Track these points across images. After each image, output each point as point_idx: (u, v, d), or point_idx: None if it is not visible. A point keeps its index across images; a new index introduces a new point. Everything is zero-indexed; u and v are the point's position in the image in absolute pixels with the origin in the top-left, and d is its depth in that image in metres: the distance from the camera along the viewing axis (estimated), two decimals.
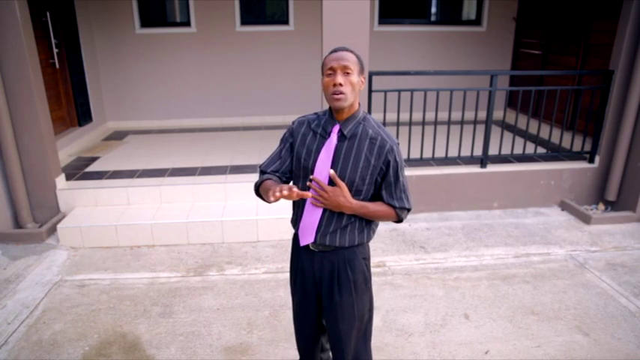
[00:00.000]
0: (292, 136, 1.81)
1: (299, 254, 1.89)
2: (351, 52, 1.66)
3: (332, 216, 1.73)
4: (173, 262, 3.57)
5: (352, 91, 1.64)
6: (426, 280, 3.31)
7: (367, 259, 1.86)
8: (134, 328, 2.80)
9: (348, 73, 1.62)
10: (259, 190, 1.80)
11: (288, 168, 1.83)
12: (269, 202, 1.59)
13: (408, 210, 1.80)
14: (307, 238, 1.79)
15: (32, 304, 3.02)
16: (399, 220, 1.81)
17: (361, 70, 1.68)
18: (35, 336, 2.72)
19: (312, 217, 1.75)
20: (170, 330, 2.78)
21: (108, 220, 3.82)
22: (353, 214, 1.72)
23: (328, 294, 1.83)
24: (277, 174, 1.83)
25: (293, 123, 1.83)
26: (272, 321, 2.86)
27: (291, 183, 1.86)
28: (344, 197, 1.67)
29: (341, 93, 1.62)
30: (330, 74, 1.64)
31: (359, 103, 1.74)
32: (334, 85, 1.62)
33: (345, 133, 1.69)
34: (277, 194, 1.50)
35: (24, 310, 2.95)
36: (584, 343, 2.65)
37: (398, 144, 1.72)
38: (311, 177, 1.71)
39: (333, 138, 1.70)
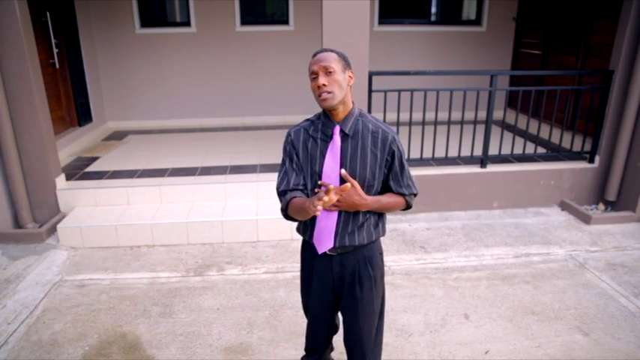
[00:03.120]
0: (294, 147, 1.77)
1: (313, 261, 1.85)
2: (332, 50, 1.66)
3: (348, 217, 1.73)
4: (173, 262, 3.57)
5: (339, 88, 1.63)
6: (426, 280, 3.31)
7: (382, 253, 1.89)
8: (134, 328, 2.80)
9: (330, 72, 1.61)
10: (289, 213, 1.73)
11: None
12: (310, 215, 1.53)
13: (415, 195, 1.85)
14: (326, 244, 1.76)
15: (32, 304, 3.02)
16: (408, 207, 1.85)
17: (346, 66, 1.67)
18: (35, 336, 2.72)
19: (329, 222, 1.73)
20: (170, 330, 2.78)
21: (108, 220, 3.82)
22: (368, 210, 1.73)
23: (349, 292, 1.83)
24: (299, 187, 1.76)
25: (289, 135, 1.79)
26: (272, 321, 2.86)
27: None
28: (358, 196, 1.67)
29: (327, 92, 1.62)
30: (314, 78, 1.64)
31: (352, 101, 1.73)
32: (319, 87, 1.62)
33: (346, 132, 1.69)
34: (318, 202, 1.43)
35: (24, 310, 2.95)
36: (584, 343, 2.65)
37: (397, 134, 1.75)
38: (319, 182, 1.70)
39: (336, 139, 1.69)
